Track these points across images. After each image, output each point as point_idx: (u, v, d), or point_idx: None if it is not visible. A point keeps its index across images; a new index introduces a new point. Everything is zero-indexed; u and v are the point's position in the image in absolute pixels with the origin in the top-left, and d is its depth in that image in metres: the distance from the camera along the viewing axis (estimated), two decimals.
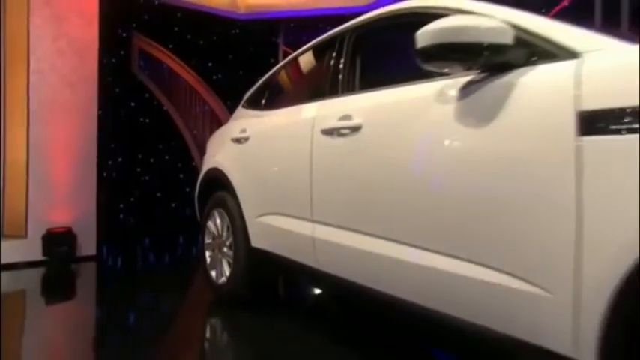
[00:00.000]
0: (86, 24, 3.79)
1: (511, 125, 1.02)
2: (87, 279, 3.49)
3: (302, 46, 2.20)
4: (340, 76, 1.75)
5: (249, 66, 5.47)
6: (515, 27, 1.12)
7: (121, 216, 5.25)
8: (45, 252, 3.49)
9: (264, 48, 5.60)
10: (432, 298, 1.21)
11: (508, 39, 1.06)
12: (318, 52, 2.09)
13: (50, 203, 3.57)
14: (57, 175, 3.60)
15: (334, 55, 1.84)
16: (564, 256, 0.89)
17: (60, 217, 3.58)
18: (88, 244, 3.73)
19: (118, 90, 5.23)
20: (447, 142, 1.17)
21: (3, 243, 3.44)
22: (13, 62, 3.54)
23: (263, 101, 2.43)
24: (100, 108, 3.91)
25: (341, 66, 1.76)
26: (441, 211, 1.16)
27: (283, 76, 2.41)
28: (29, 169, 3.50)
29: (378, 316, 2.26)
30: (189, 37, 5.50)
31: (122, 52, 5.29)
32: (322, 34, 2.01)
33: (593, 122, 0.87)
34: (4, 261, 3.38)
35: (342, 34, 1.88)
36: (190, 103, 6.02)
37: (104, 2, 3.99)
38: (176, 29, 5.41)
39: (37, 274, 3.37)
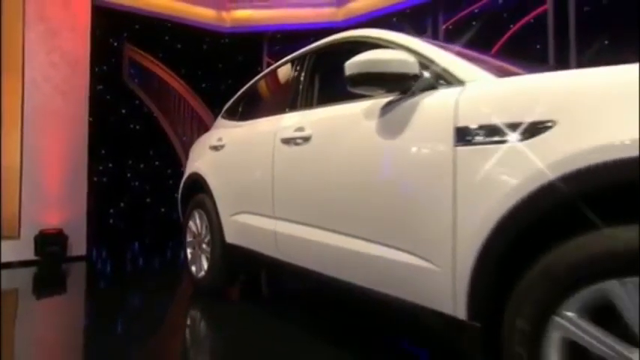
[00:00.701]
0: (78, 38, 4.04)
1: (413, 136, 1.31)
2: (77, 278, 3.69)
3: (284, 57, 2.45)
4: (299, 94, 2.03)
5: (235, 75, 5.73)
6: (425, 58, 1.42)
7: (111, 220, 5.45)
8: (37, 252, 3.70)
9: (249, 59, 5.88)
10: (355, 275, 1.49)
11: (415, 69, 1.35)
12: (284, 71, 2.39)
13: (42, 206, 3.79)
14: (49, 178, 3.83)
15: (295, 74, 2.14)
16: (445, 238, 1.17)
17: (51, 219, 3.80)
18: (78, 245, 3.95)
19: (109, 97, 5.45)
20: (369, 150, 1.45)
21: None
22: (9, 73, 3.77)
23: (238, 113, 2.71)
24: (91, 115, 4.15)
25: (300, 84, 2.05)
26: (363, 205, 1.45)
27: (256, 91, 2.69)
28: (22, 173, 3.72)
29: (348, 306, 2.52)
30: (178, 47, 5.76)
31: (113, 61, 5.53)
32: (303, 46, 2.23)
33: (464, 135, 1.16)
34: None
35: (302, 56, 2.17)
36: (179, 111, 6.25)
37: (96, 15, 4.25)
38: (165, 40, 5.67)
39: (29, 273, 3.57)
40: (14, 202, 3.74)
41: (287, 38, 5.50)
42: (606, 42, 3.66)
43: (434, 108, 1.28)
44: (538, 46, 4.10)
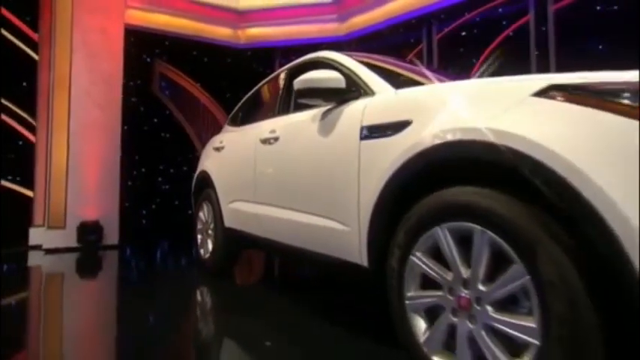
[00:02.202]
0: (113, 59, 4.75)
1: (336, 134, 1.76)
2: (111, 262, 4.34)
3: None
4: (276, 103, 2.53)
5: (251, 86, 6.30)
6: (355, 75, 1.87)
7: (144, 220, 6.12)
8: (79, 240, 4.39)
9: (264, 71, 6.45)
10: (305, 241, 1.95)
11: (342, 85, 1.80)
12: (269, 84, 2.89)
13: (83, 201, 4.49)
14: (89, 178, 4.53)
15: (275, 87, 2.63)
16: (353, 205, 1.61)
17: (90, 213, 4.49)
18: (112, 235, 4.62)
19: (142, 109, 6.16)
20: (312, 146, 1.92)
21: (48, 232, 4.39)
22: (59, 91, 4.51)
23: (237, 120, 3.24)
24: (126, 124, 4.81)
25: (277, 96, 2.54)
26: (306, 186, 1.92)
27: (249, 101, 3.21)
28: (68, 174, 4.43)
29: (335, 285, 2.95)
30: (202, 62, 6.40)
31: (145, 76, 6.24)
32: None
33: (365, 133, 1.60)
34: (49, 246, 4.32)
35: (282, 72, 2.66)
36: (203, 119, 6.90)
37: (130, 35, 4.92)
38: (191, 56, 6.33)
39: (72, 257, 4.25)
40: (61, 198, 4.45)
41: (296, 52, 6.03)
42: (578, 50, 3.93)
43: (351, 113, 1.73)
44: (523, 53, 4.39)
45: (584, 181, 0.93)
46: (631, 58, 3.57)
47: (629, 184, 0.89)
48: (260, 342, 1.84)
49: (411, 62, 2.67)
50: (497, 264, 1.12)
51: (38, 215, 4.71)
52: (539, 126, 1.04)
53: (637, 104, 0.93)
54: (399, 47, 5.41)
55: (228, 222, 2.91)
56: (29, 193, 4.75)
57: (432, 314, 1.31)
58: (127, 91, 5.47)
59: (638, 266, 0.87)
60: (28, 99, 4.75)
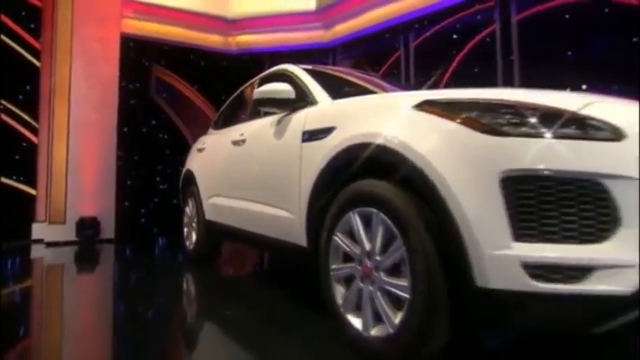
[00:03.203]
0: (110, 65, 5.11)
1: (287, 138, 2.09)
2: (107, 255, 4.68)
3: None
4: (248, 110, 2.86)
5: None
6: (305, 86, 2.20)
7: (143, 218, 6.44)
8: (77, 234, 4.74)
9: (255, 76, 6.77)
10: (263, 228, 2.28)
11: (292, 95, 2.13)
12: (245, 92, 3.23)
13: (82, 198, 4.84)
14: (87, 177, 4.89)
15: (247, 95, 2.96)
16: (296, 196, 1.94)
17: (88, 209, 4.84)
18: (108, 230, 4.97)
19: (140, 112, 6.47)
20: (269, 148, 2.25)
21: (49, 227, 4.74)
22: (60, 96, 4.87)
23: (218, 123, 3.58)
24: (125, 126, 5.13)
25: (248, 103, 2.87)
26: (264, 182, 2.25)
27: (229, 107, 3.55)
28: (68, 173, 4.79)
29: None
30: (197, 67, 6.69)
31: (143, 80, 6.53)
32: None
33: (305, 136, 1.93)
34: (50, 239, 4.67)
35: (255, 81, 2.99)
36: (198, 122, 7.22)
37: (128, 41, 5.24)
38: (186, 61, 6.63)
39: (72, 250, 4.60)
40: (61, 196, 4.81)
41: (284, 57, 6.36)
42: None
43: (297, 120, 2.06)
44: (490, 61, 4.70)
45: (433, 170, 1.26)
46: (590, 65, 3.90)
47: (464, 175, 1.21)
48: (235, 319, 2.17)
49: (368, 74, 3.00)
50: (390, 239, 1.45)
51: (40, 212, 5.06)
52: (411, 132, 1.37)
53: (478, 117, 1.26)
54: (380, 53, 5.73)
55: (208, 215, 3.25)
56: (32, 191, 5.10)
57: (347, 282, 1.63)
58: (126, 94, 5.82)
59: (464, 237, 1.19)
60: (30, 103, 5.09)
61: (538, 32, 4.37)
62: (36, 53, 5.16)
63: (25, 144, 5.08)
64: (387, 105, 1.58)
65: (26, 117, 5.09)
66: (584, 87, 3.79)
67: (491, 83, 4.59)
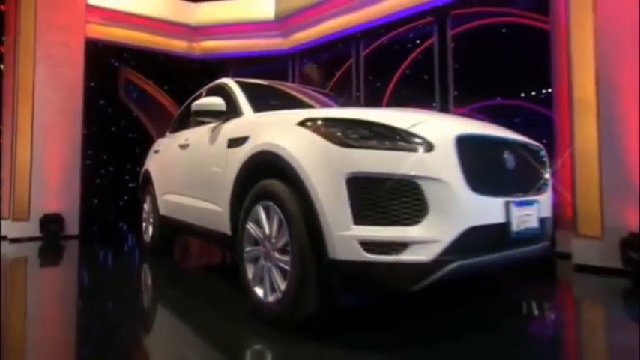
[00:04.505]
0: (74, 69, 5.33)
1: (217, 144, 2.48)
2: (71, 250, 4.92)
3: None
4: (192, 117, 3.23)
5: None
6: (237, 100, 2.59)
7: (112, 216, 6.66)
8: (41, 230, 4.97)
9: (217, 78, 7.09)
10: (201, 221, 2.66)
11: (223, 108, 2.52)
12: (192, 101, 3.59)
13: (46, 196, 5.06)
14: (51, 176, 5.11)
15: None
16: (223, 192, 2.33)
17: (52, 206, 5.07)
18: (73, 226, 5.21)
19: (110, 112, 6.68)
20: (205, 152, 2.63)
21: (13, 224, 4.95)
22: (23, 99, 5.07)
23: (172, 128, 3.92)
24: (94, 126, 5.33)
25: None
26: (201, 181, 2.63)
27: (181, 114, 3.90)
28: (32, 172, 5.00)
29: None
30: (164, 69, 6.94)
31: (112, 81, 6.74)
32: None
33: (229, 143, 2.32)
34: (14, 236, 4.88)
35: (201, 92, 3.36)
36: (167, 123, 7.46)
37: (98, 43, 5.45)
38: (153, 63, 6.86)
39: (35, 246, 4.83)
40: (25, 194, 5.02)
41: (246, 62, 6.74)
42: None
43: (225, 129, 2.45)
44: (430, 69, 5.21)
45: (304, 172, 1.68)
46: (517, 75, 4.52)
47: (322, 176, 1.64)
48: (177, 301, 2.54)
49: (304, 87, 3.42)
50: (280, 226, 1.86)
51: (4, 209, 5.24)
52: (293, 142, 1.79)
53: (335, 132, 1.68)
54: (335, 61, 6.17)
55: (162, 211, 3.59)
56: None
57: (255, 261, 2.04)
58: (95, 95, 6.03)
59: (322, 222, 1.61)
60: None
61: (469, 45, 4.91)
62: None
63: None
64: (281, 120, 1.99)
65: None
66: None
67: (431, 87, 5.11)
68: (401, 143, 1.61)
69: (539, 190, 2.05)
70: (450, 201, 1.56)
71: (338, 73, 6.08)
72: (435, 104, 5.07)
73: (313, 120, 1.80)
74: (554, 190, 3.70)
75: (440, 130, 1.69)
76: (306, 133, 1.76)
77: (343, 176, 1.59)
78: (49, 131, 5.13)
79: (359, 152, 1.61)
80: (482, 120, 4.53)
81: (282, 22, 6.20)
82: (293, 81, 6.51)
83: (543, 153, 2.20)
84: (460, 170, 1.60)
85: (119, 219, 6.56)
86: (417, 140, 1.62)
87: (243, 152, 2.14)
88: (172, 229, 3.65)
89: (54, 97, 5.18)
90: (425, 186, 1.56)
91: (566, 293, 3.00)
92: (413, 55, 5.42)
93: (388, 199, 1.56)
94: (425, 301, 2.34)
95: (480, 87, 4.86)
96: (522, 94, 4.65)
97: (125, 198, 6.89)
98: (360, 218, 1.57)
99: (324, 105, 2.99)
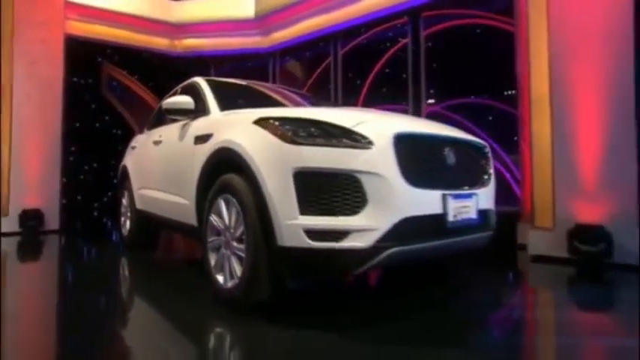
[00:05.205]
0: (53, 66, 5.38)
1: (185, 140, 2.61)
2: (51, 245, 5.00)
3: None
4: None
5: None
6: (206, 99, 2.71)
7: (94, 211, 6.71)
8: (20, 225, 5.03)
9: (201, 73, 7.16)
10: (171, 213, 2.80)
11: (192, 106, 2.64)
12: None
13: (25, 191, 5.12)
14: (31, 172, 5.17)
15: None
16: (190, 186, 2.46)
17: (32, 201, 5.13)
18: (52, 222, 5.27)
19: (92, 107, 6.71)
20: (175, 148, 2.76)
21: None
22: (2, 96, 5.10)
23: (149, 125, 4.02)
24: (76, 122, 5.36)
25: None
26: (171, 176, 2.76)
27: (158, 111, 4.00)
28: (11, 168, 5.05)
29: None
30: (146, 66, 6.98)
31: (94, 78, 6.76)
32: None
33: (196, 140, 2.45)
34: None
35: (176, 90, 3.47)
36: (147, 118, 7.51)
37: (76, 43, 5.49)
38: (135, 59, 6.90)
39: (14, 241, 4.89)
40: (4, 189, 5.06)
41: (226, 60, 6.83)
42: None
43: (193, 127, 2.58)
44: (404, 67, 5.38)
45: (256, 166, 1.83)
46: (486, 75, 4.74)
47: (272, 170, 1.79)
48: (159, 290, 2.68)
49: (276, 86, 3.55)
50: (238, 217, 2.00)
51: None
52: (248, 140, 1.94)
53: (285, 130, 1.83)
54: (314, 59, 6.31)
55: (138, 205, 3.70)
56: None
57: (217, 250, 2.18)
58: (77, 91, 6.06)
59: (271, 212, 1.76)
60: None
61: (441, 45, 5.09)
62: None
63: None
64: (240, 119, 2.14)
65: None
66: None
67: (405, 86, 5.29)
68: (344, 140, 1.77)
69: (481, 184, 2.22)
70: (388, 193, 1.73)
71: (317, 71, 6.22)
72: (407, 102, 5.25)
73: (267, 119, 1.95)
74: (521, 187, 3.93)
75: (380, 128, 1.85)
76: (260, 131, 1.91)
77: (290, 170, 1.75)
78: (29, 127, 5.18)
79: (306, 149, 1.76)
80: (456, 119, 4.76)
81: (262, 21, 6.30)
82: (273, 79, 6.63)
83: (487, 150, 2.37)
84: (397, 165, 1.76)
85: (103, 214, 6.62)
86: (359, 138, 1.77)
87: (207, 148, 2.27)
88: (148, 223, 3.77)
89: (33, 93, 5.22)
90: (364, 179, 1.72)
91: (516, 281, 3.20)
92: (388, 54, 5.59)
93: (331, 191, 1.72)
94: (379, 288, 2.51)
95: (452, 86, 5.05)
96: (492, 94, 4.86)
97: (109, 194, 6.94)
98: (305, 209, 1.72)
99: (296, 104, 3.13)
